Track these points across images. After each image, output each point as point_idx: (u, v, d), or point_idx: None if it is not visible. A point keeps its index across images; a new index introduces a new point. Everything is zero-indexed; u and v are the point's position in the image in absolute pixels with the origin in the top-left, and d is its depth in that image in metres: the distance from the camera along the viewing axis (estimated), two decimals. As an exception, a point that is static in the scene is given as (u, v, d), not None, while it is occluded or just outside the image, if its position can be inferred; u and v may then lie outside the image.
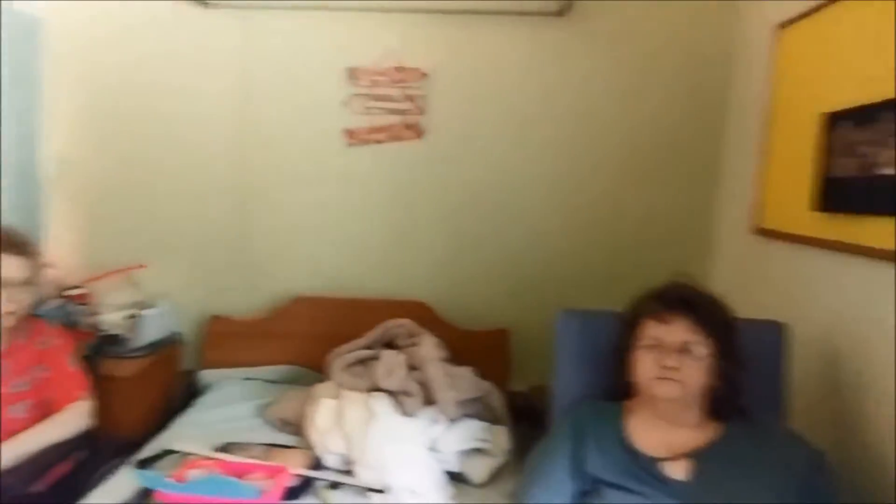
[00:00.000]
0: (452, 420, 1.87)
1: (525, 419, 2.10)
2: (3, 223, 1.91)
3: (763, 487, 1.26)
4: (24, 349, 1.80)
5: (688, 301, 1.36)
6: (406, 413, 1.82)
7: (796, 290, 1.88)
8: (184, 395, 2.45)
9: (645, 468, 1.31)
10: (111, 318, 2.33)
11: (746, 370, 1.39)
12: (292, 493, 1.59)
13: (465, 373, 2.02)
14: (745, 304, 2.09)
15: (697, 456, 1.32)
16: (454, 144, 2.52)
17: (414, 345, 2.07)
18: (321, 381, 2.09)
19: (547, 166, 2.52)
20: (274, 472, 1.57)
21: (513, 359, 2.49)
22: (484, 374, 2.17)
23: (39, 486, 1.68)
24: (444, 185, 2.55)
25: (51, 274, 2.17)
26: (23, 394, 1.76)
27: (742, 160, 2.30)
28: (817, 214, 1.76)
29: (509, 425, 2.04)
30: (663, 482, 1.29)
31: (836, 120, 1.68)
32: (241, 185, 2.56)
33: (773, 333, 1.62)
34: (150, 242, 2.58)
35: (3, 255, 1.70)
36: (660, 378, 1.33)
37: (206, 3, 2.44)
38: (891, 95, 1.46)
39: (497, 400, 2.10)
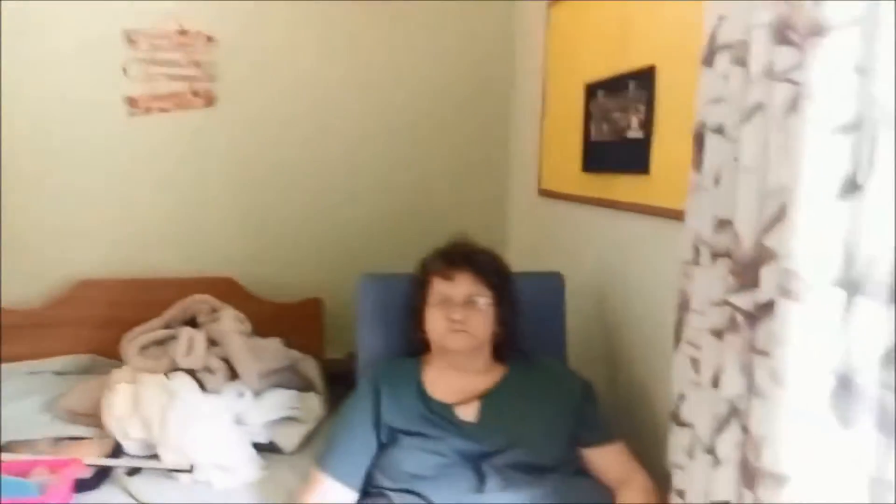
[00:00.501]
0: (258, 392, 1.86)
1: (341, 384, 2.14)
2: None
3: (542, 418, 1.43)
4: None
5: (468, 257, 1.48)
6: (208, 390, 1.78)
7: (572, 244, 2.09)
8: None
9: (439, 413, 1.42)
10: None
11: (524, 316, 1.54)
12: (84, 485, 1.50)
13: (270, 344, 2.01)
14: (535, 258, 2.31)
15: (484, 398, 1.45)
16: (249, 112, 2.45)
17: (216, 321, 2.02)
18: (117, 368, 1.97)
19: (347, 133, 2.54)
20: (61, 466, 1.47)
21: (328, 327, 2.51)
22: (299, 343, 2.17)
23: None
24: (242, 154, 2.47)
25: None
26: None
27: (527, 128, 2.49)
28: (583, 174, 1.97)
29: (324, 392, 2.07)
30: (456, 425, 1.40)
31: (594, 89, 1.88)
32: (5, 162, 2.28)
33: (552, 283, 1.78)
34: None
35: None
36: (450, 331, 1.44)
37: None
38: (636, 67, 1.67)
39: (311, 368, 2.11)
